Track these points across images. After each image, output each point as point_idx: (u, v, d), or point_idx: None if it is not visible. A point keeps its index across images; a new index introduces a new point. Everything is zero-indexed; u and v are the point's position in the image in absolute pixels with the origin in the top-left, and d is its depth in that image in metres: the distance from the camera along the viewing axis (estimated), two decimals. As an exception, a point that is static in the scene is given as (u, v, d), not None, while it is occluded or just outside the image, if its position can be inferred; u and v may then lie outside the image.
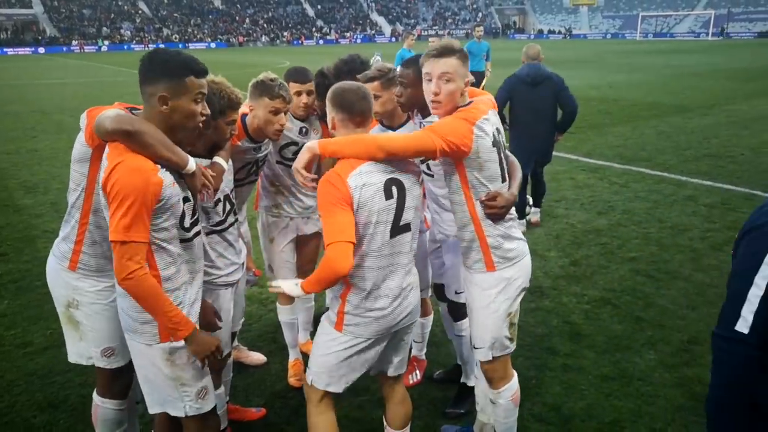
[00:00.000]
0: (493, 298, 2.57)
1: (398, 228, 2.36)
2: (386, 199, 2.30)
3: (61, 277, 2.51)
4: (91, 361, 2.59)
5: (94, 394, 2.72)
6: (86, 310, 2.50)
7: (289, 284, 2.42)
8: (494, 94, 6.15)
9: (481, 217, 2.51)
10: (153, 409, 2.41)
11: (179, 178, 2.22)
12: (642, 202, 7.20)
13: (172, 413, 2.38)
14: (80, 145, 2.36)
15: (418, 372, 3.71)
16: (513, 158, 2.76)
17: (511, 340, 2.67)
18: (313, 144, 2.33)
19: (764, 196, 7.20)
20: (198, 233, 2.37)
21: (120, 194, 2.03)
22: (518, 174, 2.71)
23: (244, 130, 2.99)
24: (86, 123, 2.32)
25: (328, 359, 2.45)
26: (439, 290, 3.46)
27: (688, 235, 6.02)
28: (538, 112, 6.01)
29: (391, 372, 2.61)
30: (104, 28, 68.38)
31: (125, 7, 75.40)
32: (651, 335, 4.13)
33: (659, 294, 4.76)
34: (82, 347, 2.58)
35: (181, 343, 2.28)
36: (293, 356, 3.80)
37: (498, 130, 2.55)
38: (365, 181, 2.25)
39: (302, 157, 2.36)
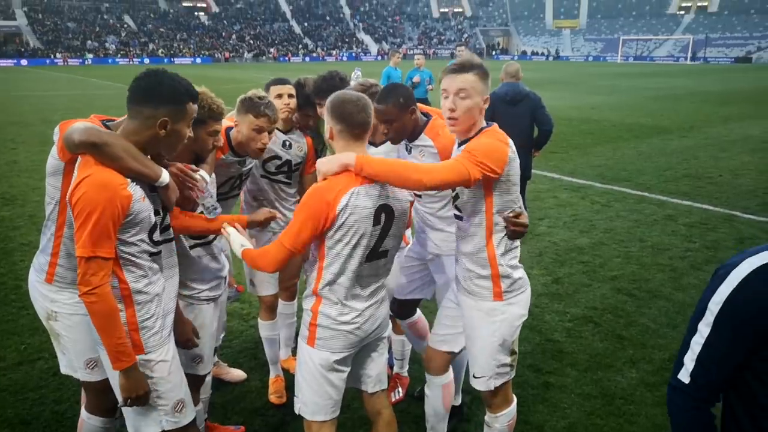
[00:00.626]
0: (497, 326, 2.55)
1: (376, 253, 2.35)
2: (373, 225, 2.29)
3: (39, 290, 2.48)
4: (78, 374, 2.54)
5: (82, 409, 2.67)
6: (65, 322, 2.46)
7: (236, 241, 2.48)
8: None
9: (497, 243, 2.48)
10: (132, 429, 2.35)
11: (150, 191, 2.20)
12: (623, 221, 7.28)
13: (149, 430, 2.33)
14: (53, 159, 2.33)
15: (400, 389, 3.68)
16: None
17: (512, 367, 2.66)
18: (350, 160, 2.24)
19: (743, 216, 7.33)
20: (168, 240, 2.34)
21: (86, 209, 2.01)
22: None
23: (229, 143, 2.98)
24: (58, 137, 2.29)
25: (307, 379, 2.42)
26: (402, 307, 3.33)
27: (668, 255, 6.09)
28: (516, 129, 6.04)
29: (370, 387, 2.58)
30: (89, 42, 68.09)
31: (110, 21, 75.27)
32: (632, 354, 4.15)
33: (640, 312, 4.80)
34: (69, 359, 2.54)
35: (157, 355, 2.26)
36: (274, 373, 3.74)
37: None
38: (357, 203, 2.22)
39: (332, 167, 2.26)
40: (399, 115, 2.78)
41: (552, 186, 9.09)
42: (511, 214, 2.44)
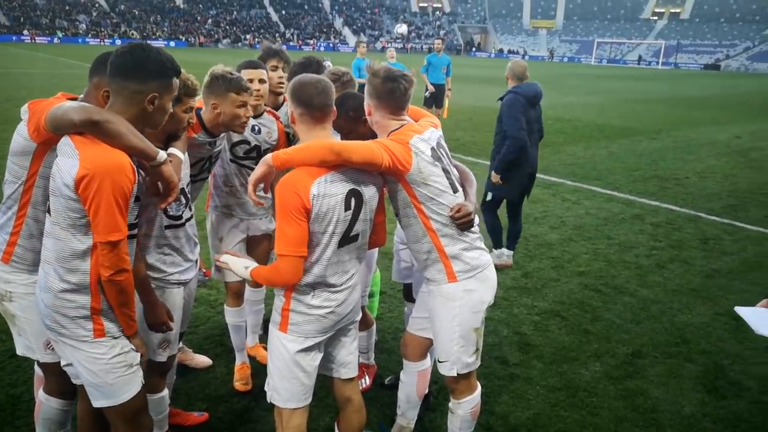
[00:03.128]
0: (457, 312, 2.57)
1: (348, 238, 2.35)
2: (344, 211, 2.29)
3: None
4: (36, 355, 2.47)
5: (40, 391, 2.60)
6: (22, 302, 2.38)
7: (238, 265, 2.43)
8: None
9: (437, 228, 2.51)
10: (99, 402, 2.27)
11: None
12: (592, 218, 7.39)
13: (129, 395, 2.26)
14: (21, 138, 2.24)
15: (367, 378, 3.67)
16: (463, 167, 2.78)
17: (476, 355, 2.68)
18: (267, 157, 2.31)
19: (707, 218, 7.51)
20: (134, 236, 2.28)
21: (106, 193, 1.98)
22: (473, 182, 2.74)
23: (201, 123, 2.92)
24: (28, 116, 2.21)
25: (279, 366, 2.40)
26: (407, 290, 3.49)
27: (634, 252, 6.21)
28: (534, 133, 5.50)
29: (343, 374, 2.57)
30: (58, 20, 66.11)
31: (81, 0, 73.19)
32: (597, 348, 4.22)
33: (606, 308, 4.88)
34: (26, 340, 2.46)
35: (119, 340, 2.23)
36: (240, 360, 3.69)
37: (438, 144, 2.57)
38: (327, 191, 2.23)
39: (257, 171, 2.32)
40: (352, 127, 2.69)
41: (524, 182, 9.17)
42: (451, 213, 2.50)
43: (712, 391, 3.74)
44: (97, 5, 73.31)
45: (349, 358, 2.56)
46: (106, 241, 2.02)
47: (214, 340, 4.14)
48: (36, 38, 59.24)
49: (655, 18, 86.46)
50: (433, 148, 2.50)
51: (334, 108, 2.40)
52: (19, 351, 2.51)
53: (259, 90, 3.27)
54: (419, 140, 2.46)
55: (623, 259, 6.00)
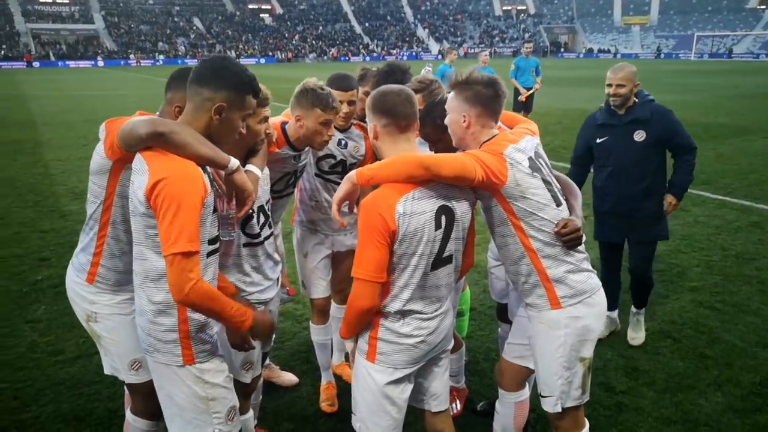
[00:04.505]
0: (562, 341, 2.30)
1: (440, 260, 2.17)
2: (435, 230, 2.11)
3: (78, 291, 2.42)
4: (121, 375, 2.47)
5: (127, 411, 2.61)
6: (106, 323, 2.39)
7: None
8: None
9: (537, 247, 2.27)
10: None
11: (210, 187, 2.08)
12: (703, 227, 6.74)
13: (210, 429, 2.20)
14: (99, 157, 2.26)
15: (458, 402, 3.45)
16: (566, 178, 2.53)
17: (583, 389, 2.40)
18: (351, 174, 2.16)
19: (840, 225, 6.65)
20: (216, 251, 2.18)
21: (174, 204, 1.90)
22: (578, 194, 2.48)
23: (286, 139, 2.85)
24: (105, 135, 2.22)
25: (367, 399, 2.24)
26: (501, 310, 3.28)
27: (755, 265, 5.57)
28: None
29: (434, 407, 2.38)
30: (160, 43, 71.04)
31: (181, 24, 78.27)
32: (717, 375, 3.75)
33: (725, 329, 4.36)
34: (112, 361, 2.47)
35: (211, 365, 2.16)
36: (325, 379, 3.59)
37: (537, 153, 2.33)
38: (415, 209, 2.06)
39: (341, 190, 2.17)
40: (440, 136, 2.50)
41: (622, 188, 8.58)
42: (557, 229, 2.25)
43: None
44: (195, 28, 78.13)
45: (440, 389, 2.37)
46: (170, 253, 1.90)
47: (300, 357, 4.07)
48: (141, 61, 63.87)
49: (763, 7, 79.77)
50: (530, 158, 2.27)
51: (418, 121, 2.24)
52: (107, 370, 2.52)
53: (347, 112, 3.16)
54: (514, 150, 2.24)
55: (742, 273, 5.38)
